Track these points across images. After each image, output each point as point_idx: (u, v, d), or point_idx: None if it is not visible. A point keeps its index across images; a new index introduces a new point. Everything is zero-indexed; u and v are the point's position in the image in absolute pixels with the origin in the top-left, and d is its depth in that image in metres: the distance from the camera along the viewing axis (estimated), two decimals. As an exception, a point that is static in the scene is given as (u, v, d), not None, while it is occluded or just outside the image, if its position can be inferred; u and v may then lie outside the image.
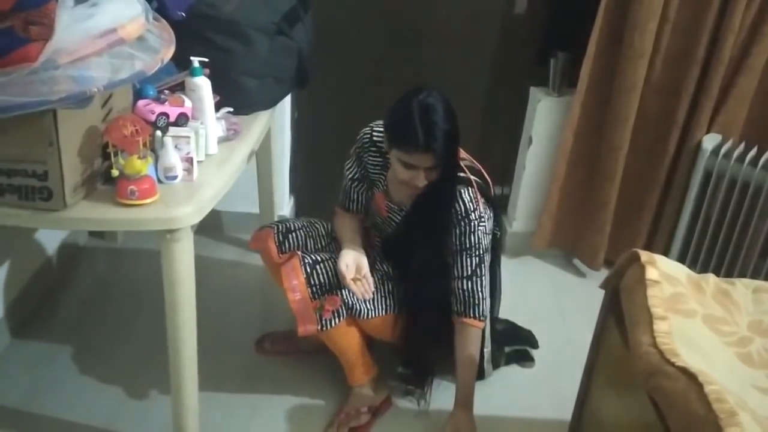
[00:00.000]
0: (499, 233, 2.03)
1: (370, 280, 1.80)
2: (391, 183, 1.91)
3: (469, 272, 1.84)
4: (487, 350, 2.08)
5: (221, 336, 2.24)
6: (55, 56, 1.32)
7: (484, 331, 2.03)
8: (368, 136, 1.92)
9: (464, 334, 1.89)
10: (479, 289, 1.86)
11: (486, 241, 1.87)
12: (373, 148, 1.91)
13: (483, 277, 1.87)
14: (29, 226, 1.51)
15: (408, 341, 1.96)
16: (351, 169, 1.97)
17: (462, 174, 1.81)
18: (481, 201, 1.83)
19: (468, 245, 1.82)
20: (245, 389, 2.07)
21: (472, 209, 1.79)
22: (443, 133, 1.66)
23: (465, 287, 1.85)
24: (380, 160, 1.91)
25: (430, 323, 1.93)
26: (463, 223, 1.80)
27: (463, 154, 1.85)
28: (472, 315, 1.87)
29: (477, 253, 1.84)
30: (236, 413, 1.99)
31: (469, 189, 1.80)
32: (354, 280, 1.78)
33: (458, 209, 1.79)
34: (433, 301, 1.90)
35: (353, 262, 1.80)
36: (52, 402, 1.96)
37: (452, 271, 1.85)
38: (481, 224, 1.82)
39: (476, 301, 1.86)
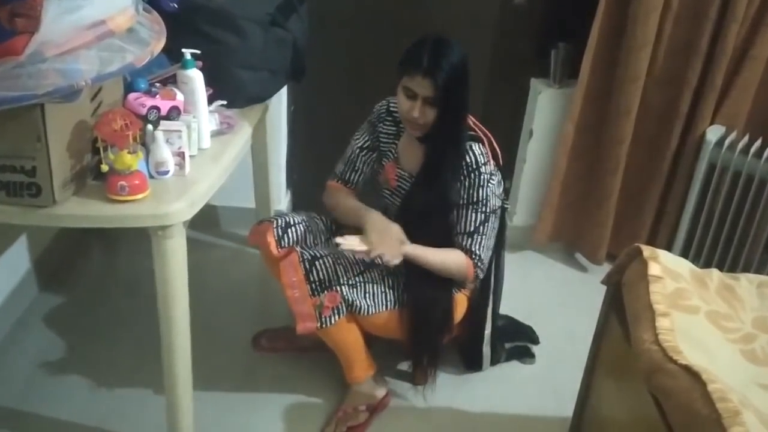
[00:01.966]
0: (508, 205, 2.01)
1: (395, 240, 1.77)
2: (401, 147, 1.92)
3: (472, 228, 1.81)
4: (487, 332, 2.07)
5: (217, 333, 2.22)
6: (42, 49, 1.30)
7: (485, 311, 2.02)
8: (384, 106, 1.97)
9: (452, 252, 1.83)
10: (478, 249, 1.83)
11: (494, 201, 1.83)
12: (389, 118, 1.95)
13: (485, 237, 1.83)
14: (17, 223, 1.48)
15: (413, 332, 1.91)
16: (362, 138, 1.99)
17: (473, 133, 1.82)
18: (492, 162, 1.82)
19: (475, 199, 1.80)
20: (241, 387, 2.05)
21: (482, 162, 1.78)
22: (450, 65, 1.68)
23: (465, 244, 1.82)
24: (394, 129, 1.95)
25: (435, 308, 1.89)
26: (472, 176, 1.78)
27: (473, 121, 1.87)
28: (472, 262, 1.83)
29: (483, 209, 1.81)
30: (232, 412, 1.97)
31: (480, 145, 1.80)
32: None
33: (468, 161, 1.78)
34: (440, 283, 1.87)
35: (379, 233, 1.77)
36: (45, 401, 1.94)
37: (455, 226, 1.83)
38: (491, 181, 1.81)
39: (475, 260, 1.83)
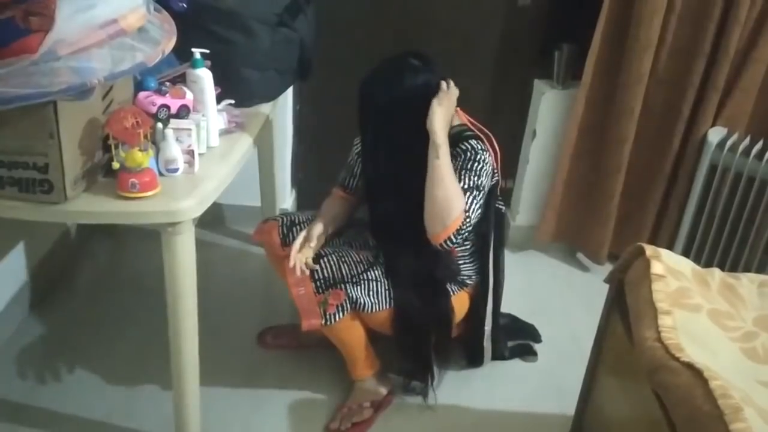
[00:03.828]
0: (503, 206, 2.02)
1: (302, 253, 1.83)
2: None
3: (466, 186, 1.76)
4: (488, 328, 2.07)
5: (223, 330, 2.24)
6: (56, 47, 1.31)
7: (485, 307, 2.02)
8: None
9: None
10: (468, 205, 1.75)
11: (485, 180, 1.79)
12: None
13: (476, 201, 1.77)
14: (29, 219, 1.49)
15: (400, 331, 1.90)
16: (359, 144, 1.99)
17: (470, 132, 1.83)
18: (491, 155, 1.83)
19: (469, 166, 1.78)
20: (247, 383, 2.07)
21: (481, 149, 1.80)
22: (371, 95, 1.78)
23: None
24: None
25: (426, 313, 1.89)
26: (469, 153, 1.79)
27: (472, 122, 1.89)
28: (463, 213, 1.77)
29: (474, 179, 1.77)
30: (238, 407, 1.98)
31: (479, 141, 1.82)
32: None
33: (466, 147, 1.79)
34: (416, 275, 1.87)
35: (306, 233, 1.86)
36: (53, 396, 1.96)
37: None
38: (487, 166, 1.80)
39: (466, 212, 1.74)
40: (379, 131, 1.84)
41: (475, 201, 1.78)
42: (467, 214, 1.75)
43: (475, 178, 1.79)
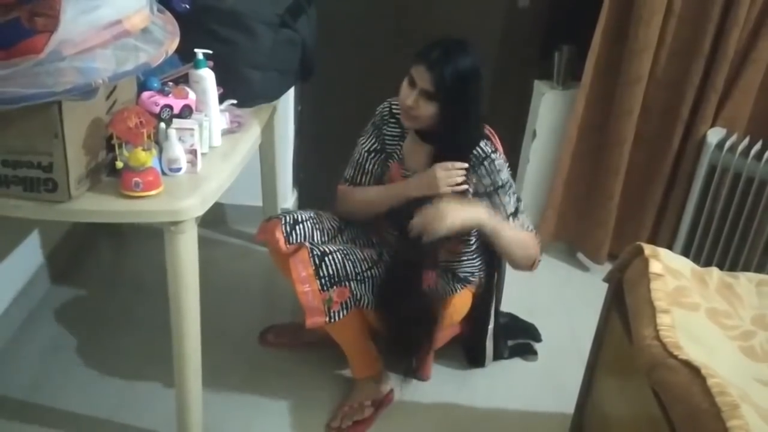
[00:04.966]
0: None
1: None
2: (406, 147, 1.94)
3: (512, 209, 1.83)
4: (490, 328, 2.09)
5: (225, 328, 2.25)
6: (61, 48, 1.32)
7: (489, 307, 2.04)
8: (387, 108, 1.98)
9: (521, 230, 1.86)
10: (531, 226, 1.87)
11: (511, 180, 1.86)
12: (393, 120, 1.96)
13: (526, 216, 1.88)
14: (34, 218, 1.51)
15: (387, 331, 1.91)
16: (368, 141, 2.00)
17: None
18: (500, 154, 1.85)
19: (500, 183, 1.81)
20: (248, 381, 2.07)
21: (491, 151, 1.81)
22: (454, 69, 1.71)
23: (516, 225, 1.85)
24: (398, 130, 1.96)
25: (413, 313, 1.88)
26: (486, 163, 1.80)
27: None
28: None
29: (512, 190, 1.84)
30: (239, 405, 1.99)
31: (485, 141, 1.83)
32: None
33: (476, 153, 1.80)
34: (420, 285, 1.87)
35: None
36: (56, 393, 1.97)
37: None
38: (505, 164, 1.83)
39: (536, 238, 1.87)
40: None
41: (527, 218, 1.88)
42: (534, 232, 1.87)
43: (511, 191, 1.84)
